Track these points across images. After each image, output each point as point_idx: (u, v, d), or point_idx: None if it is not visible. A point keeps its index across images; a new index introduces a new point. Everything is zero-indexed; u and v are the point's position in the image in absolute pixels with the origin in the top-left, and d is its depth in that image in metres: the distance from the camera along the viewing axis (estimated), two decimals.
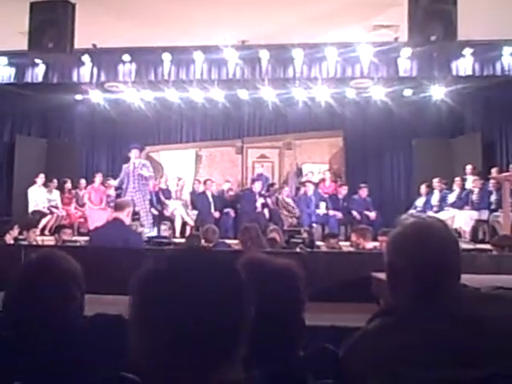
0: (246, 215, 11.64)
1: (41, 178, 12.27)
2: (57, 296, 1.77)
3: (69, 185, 12.72)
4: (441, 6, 7.22)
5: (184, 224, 12.07)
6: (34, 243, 7.98)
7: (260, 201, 11.95)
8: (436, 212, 11.10)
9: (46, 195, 12.15)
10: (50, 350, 1.70)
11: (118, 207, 5.44)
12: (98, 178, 12.77)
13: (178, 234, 11.78)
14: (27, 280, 1.81)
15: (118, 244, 4.81)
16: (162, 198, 12.28)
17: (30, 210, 11.96)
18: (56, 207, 12.05)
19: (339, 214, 12.06)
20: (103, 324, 2.00)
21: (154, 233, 10.81)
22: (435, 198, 11.83)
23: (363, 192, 12.48)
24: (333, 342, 1.76)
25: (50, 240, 9.26)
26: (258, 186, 12.25)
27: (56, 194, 12.33)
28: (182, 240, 9.53)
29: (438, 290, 1.53)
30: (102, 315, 2.08)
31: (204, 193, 12.61)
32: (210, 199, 12.43)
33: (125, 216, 5.38)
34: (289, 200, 12.37)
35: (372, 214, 12.01)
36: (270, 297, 1.63)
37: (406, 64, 10.15)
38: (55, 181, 12.33)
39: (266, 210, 11.93)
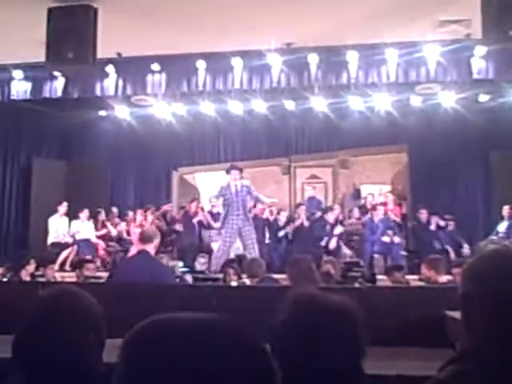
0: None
1: (63, 207, 12.52)
2: (70, 340, 1.78)
3: (102, 215, 12.94)
4: None
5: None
6: (53, 280, 8.12)
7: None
8: None
9: (75, 225, 12.37)
10: None
11: (147, 238, 5.46)
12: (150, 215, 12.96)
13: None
14: (36, 321, 1.83)
15: (145, 280, 4.84)
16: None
17: (50, 241, 12.21)
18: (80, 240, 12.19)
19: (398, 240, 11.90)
20: None
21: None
22: None
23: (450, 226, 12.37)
24: None
25: (70, 276, 9.40)
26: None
27: (89, 225, 12.50)
28: (220, 275, 9.53)
29: None
30: None
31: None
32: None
33: (152, 248, 5.42)
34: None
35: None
36: (323, 340, 1.60)
37: (480, 64, 10.01)
38: (86, 210, 12.47)
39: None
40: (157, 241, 5.59)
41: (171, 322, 1.09)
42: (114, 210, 13.46)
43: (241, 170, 10.93)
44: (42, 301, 1.91)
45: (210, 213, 12.72)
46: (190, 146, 15.02)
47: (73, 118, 13.72)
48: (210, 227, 12.55)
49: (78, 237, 12.17)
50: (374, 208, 12.51)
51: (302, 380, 1.60)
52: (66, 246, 12.04)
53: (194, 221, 12.72)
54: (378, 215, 12.14)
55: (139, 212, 12.95)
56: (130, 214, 13.27)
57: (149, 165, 15.10)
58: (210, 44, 9.92)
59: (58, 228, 12.36)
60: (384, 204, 13.03)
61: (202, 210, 12.98)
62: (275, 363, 1.07)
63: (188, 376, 0.99)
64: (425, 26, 9.36)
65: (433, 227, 12.17)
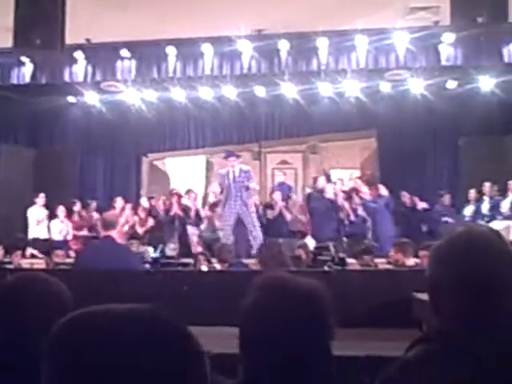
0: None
1: (41, 198, 12.25)
2: (38, 325, 1.76)
3: (78, 206, 12.73)
4: None
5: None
6: (21, 266, 8.05)
7: None
8: (488, 222, 10.99)
9: (54, 226, 12.17)
10: None
11: (109, 224, 5.40)
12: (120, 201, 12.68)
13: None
14: (3, 308, 1.81)
15: (111, 265, 4.81)
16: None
17: (31, 234, 11.96)
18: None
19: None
20: None
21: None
22: (486, 206, 11.72)
23: (446, 199, 12.37)
24: (368, 374, 1.73)
25: (39, 263, 9.32)
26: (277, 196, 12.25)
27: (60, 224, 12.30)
28: (191, 260, 9.53)
29: (489, 310, 1.49)
30: None
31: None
32: None
33: (116, 234, 5.38)
34: None
35: None
36: (291, 322, 1.61)
37: (448, 51, 10.10)
38: (61, 207, 12.24)
39: None
40: (119, 225, 5.57)
41: (97, 314, 1.06)
42: (93, 204, 13.15)
43: (238, 156, 10.74)
44: (9, 287, 1.90)
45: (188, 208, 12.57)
46: (161, 132, 14.92)
47: (41, 105, 13.50)
48: (190, 221, 12.41)
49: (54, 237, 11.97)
50: (356, 192, 12.44)
51: (271, 362, 1.61)
52: (47, 245, 11.70)
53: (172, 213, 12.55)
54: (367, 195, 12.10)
55: (119, 200, 12.65)
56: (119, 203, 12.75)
57: (118, 151, 14.96)
58: (179, 30, 9.86)
59: (39, 218, 12.16)
60: (354, 190, 13.06)
61: (179, 204, 12.71)
62: (205, 354, 1.07)
63: (114, 369, 0.97)
64: (394, 12, 9.41)
65: (419, 209, 12.29)
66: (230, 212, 10.31)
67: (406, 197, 12.48)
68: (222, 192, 10.94)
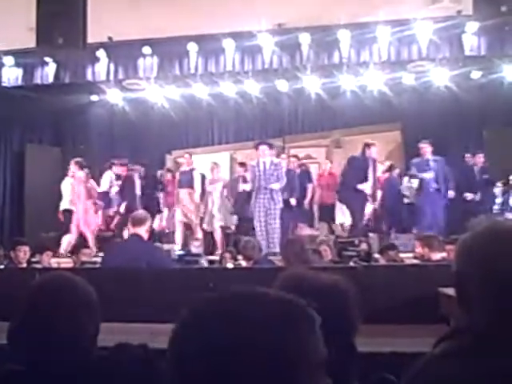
0: None
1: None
2: (64, 324, 1.78)
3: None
4: None
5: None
6: (49, 266, 8.12)
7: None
8: None
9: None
10: None
11: (138, 221, 5.41)
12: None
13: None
14: (31, 307, 1.84)
15: (140, 264, 4.83)
16: None
17: (62, 207, 11.56)
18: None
19: None
20: (126, 356, 2.01)
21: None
22: None
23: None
24: (393, 371, 1.72)
25: (67, 262, 9.40)
26: None
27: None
28: (216, 257, 9.54)
29: None
30: (124, 345, 2.09)
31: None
32: None
33: (144, 231, 5.37)
34: None
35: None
36: None
37: (472, 41, 9.98)
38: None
39: None
40: (149, 224, 5.57)
41: None
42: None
43: (270, 146, 10.08)
44: (37, 287, 1.92)
45: None
46: (184, 129, 14.97)
47: (65, 104, 13.64)
48: None
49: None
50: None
51: None
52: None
53: None
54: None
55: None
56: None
57: (142, 149, 15.01)
58: (200, 26, 9.87)
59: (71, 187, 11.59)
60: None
61: None
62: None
63: None
64: (416, 3, 9.32)
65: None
66: (260, 208, 9.67)
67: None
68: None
